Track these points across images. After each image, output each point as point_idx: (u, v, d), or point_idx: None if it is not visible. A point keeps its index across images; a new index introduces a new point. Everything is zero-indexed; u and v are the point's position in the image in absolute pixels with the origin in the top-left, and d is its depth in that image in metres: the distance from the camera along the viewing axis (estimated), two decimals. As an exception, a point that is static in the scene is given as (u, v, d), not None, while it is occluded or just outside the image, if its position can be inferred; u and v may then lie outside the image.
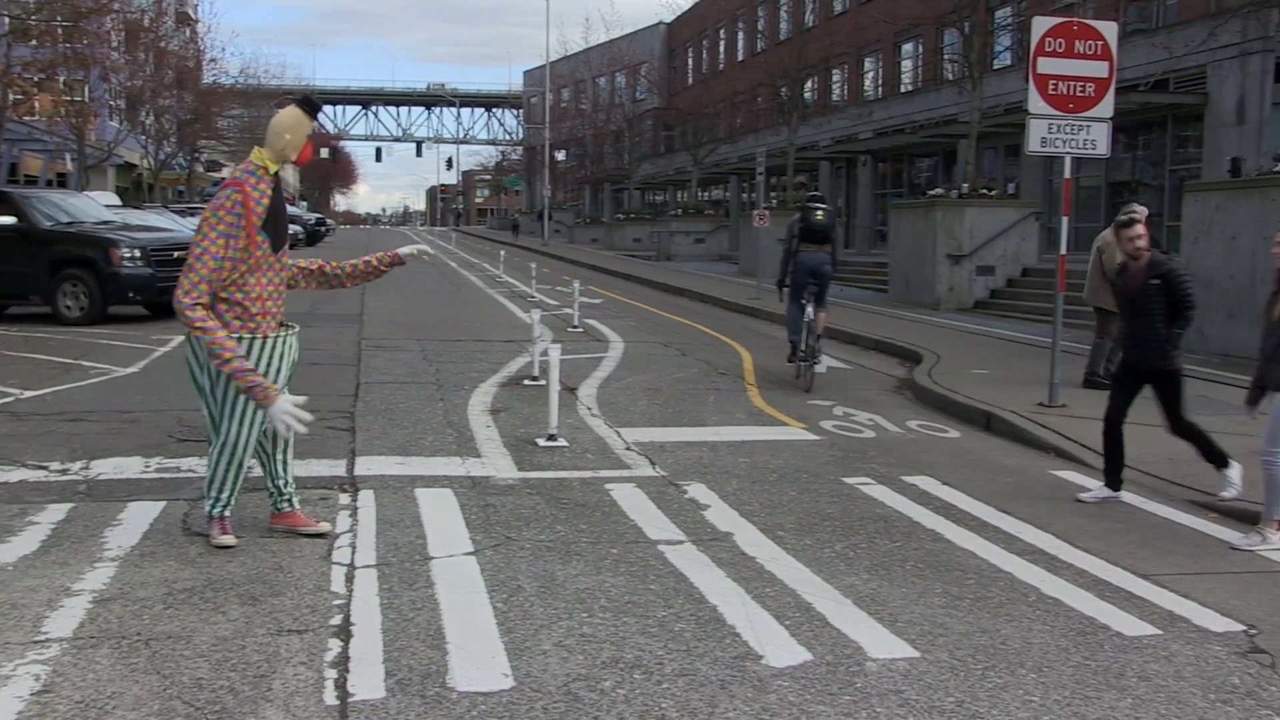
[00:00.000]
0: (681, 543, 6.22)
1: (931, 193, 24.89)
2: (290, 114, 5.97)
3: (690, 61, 65.68)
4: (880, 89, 42.43)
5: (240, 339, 5.75)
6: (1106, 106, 10.37)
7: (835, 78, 46.11)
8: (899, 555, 6.13)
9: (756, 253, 26.01)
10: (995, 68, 32.55)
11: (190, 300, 5.65)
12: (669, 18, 67.04)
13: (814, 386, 12.08)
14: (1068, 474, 8.29)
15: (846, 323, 18.33)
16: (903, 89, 40.64)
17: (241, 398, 5.77)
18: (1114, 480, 7.61)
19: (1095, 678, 4.50)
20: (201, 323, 5.62)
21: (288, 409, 5.60)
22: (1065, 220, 10.87)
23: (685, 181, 56.15)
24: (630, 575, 5.61)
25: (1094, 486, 7.73)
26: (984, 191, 23.35)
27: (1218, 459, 7.40)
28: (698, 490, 7.42)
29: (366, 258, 6.46)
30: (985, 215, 22.49)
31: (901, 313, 20.93)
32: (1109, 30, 10.41)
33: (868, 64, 43.78)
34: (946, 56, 36.98)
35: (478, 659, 4.48)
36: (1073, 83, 10.29)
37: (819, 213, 12.82)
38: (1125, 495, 7.58)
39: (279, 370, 5.91)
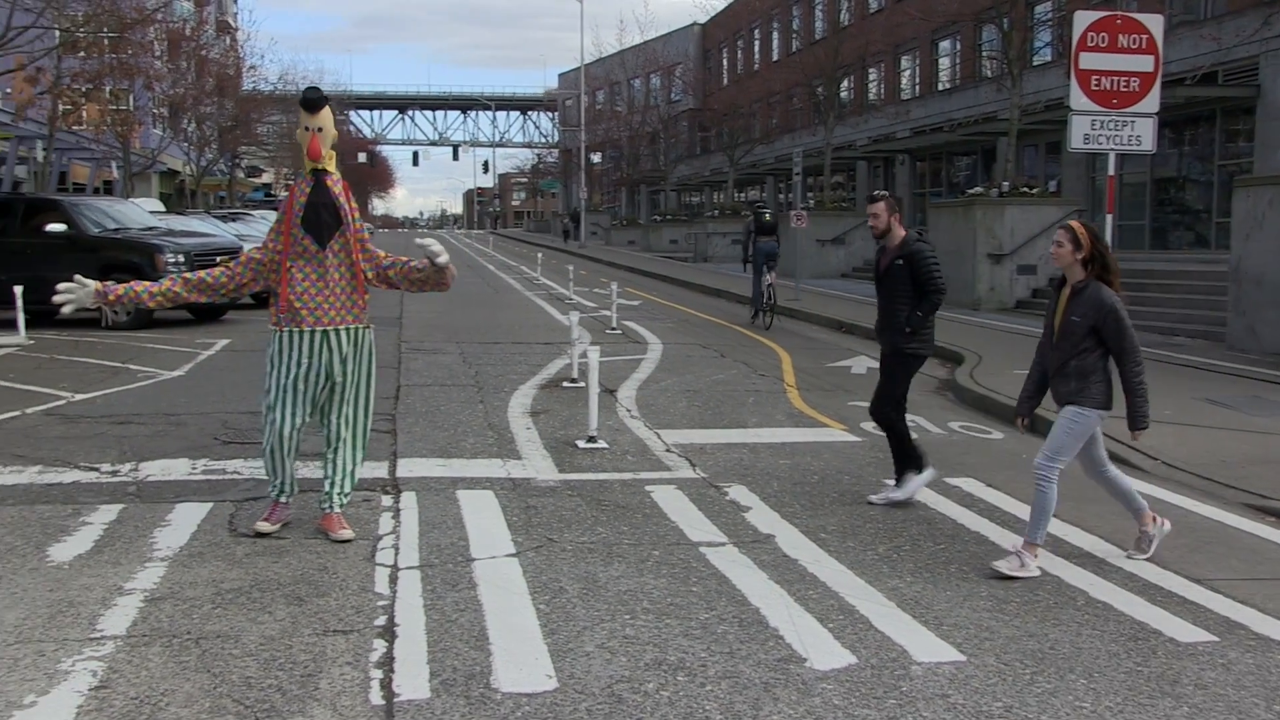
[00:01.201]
0: (723, 545, 6.20)
1: (971, 191, 24.71)
2: None
3: (725, 62, 65.59)
4: (918, 87, 42.19)
5: (285, 332, 6.06)
6: (1152, 101, 10.25)
7: (871, 76, 45.91)
8: (943, 558, 6.08)
9: (794, 253, 25.89)
10: (1035, 64, 32.32)
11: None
12: (703, 18, 67.07)
13: (773, 326, 18.33)
14: (1114, 475, 8.17)
15: (886, 323, 18.20)
16: (940, 87, 40.39)
17: (275, 385, 6.08)
18: (900, 479, 7.30)
19: (1148, 685, 4.44)
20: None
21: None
22: (1110, 218, 10.79)
23: (721, 183, 56.10)
24: (672, 577, 5.60)
25: (1140, 487, 7.61)
26: (1024, 190, 23.14)
27: (908, 461, 7.11)
28: (738, 492, 7.41)
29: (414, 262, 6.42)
30: (1026, 214, 22.30)
31: (941, 313, 20.65)
32: (1154, 23, 10.29)
33: (904, 62, 43.55)
34: (985, 53, 36.71)
35: (521, 660, 4.49)
36: (1116, 78, 10.18)
37: (767, 214, 19.52)
38: (1176, 498, 7.47)
39: (321, 363, 6.06)
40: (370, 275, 6.25)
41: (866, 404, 10.89)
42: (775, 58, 55.67)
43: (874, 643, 4.79)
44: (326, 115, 6.12)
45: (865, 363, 14.15)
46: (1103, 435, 6.22)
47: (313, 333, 6.03)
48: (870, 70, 45.42)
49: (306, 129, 6.04)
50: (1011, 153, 24.85)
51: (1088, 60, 10.17)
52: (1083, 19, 10.29)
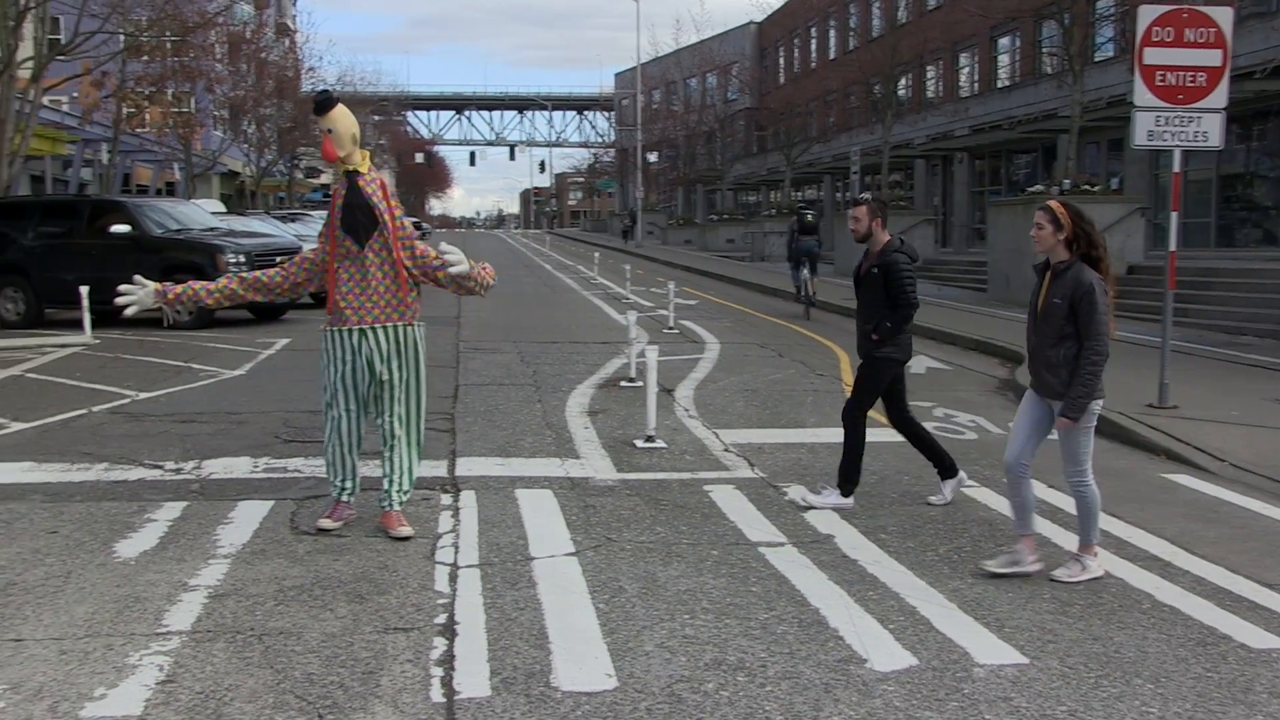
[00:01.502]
0: (782, 545, 6.17)
1: (1031, 189, 24.35)
2: None
3: (781, 60, 65.29)
4: (976, 84, 41.71)
5: (331, 331, 6.20)
6: (1220, 96, 10.02)
7: (930, 74, 45.45)
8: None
9: (853, 252, 25.68)
10: (1096, 60, 31.80)
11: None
12: (759, 17, 66.72)
13: (812, 316, 20.00)
14: (1180, 477, 8.04)
15: (944, 322, 18.06)
16: (999, 84, 39.89)
17: (329, 383, 6.23)
18: (946, 472, 7.20)
19: (1219, 691, 4.34)
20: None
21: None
22: (1175, 216, 10.55)
23: (778, 181, 55.81)
24: (731, 577, 5.59)
25: (1206, 489, 7.48)
26: (1086, 187, 22.73)
27: (846, 477, 6.99)
28: (797, 492, 7.36)
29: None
30: (1087, 212, 21.90)
31: (1001, 312, 20.54)
32: (1223, 16, 10.04)
33: (963, 59, 43.08)
34: (1045, 50, 36.21)
35: (581, 659, 4.50)
36: (1182, 73, 9.97)
37: (809, 215, 21.47)
38: (1245, 500, 7.32)
39: (364, 360, 6.15)
40: (416, 274, 6.30)
41: (926, 404, 10.86)
42: (832, 56, 55.32)
43: (935, 644, 4.74)
44: (336, 116, 6.11)
45: (924, 362, 14.01)
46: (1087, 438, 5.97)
47: (353, 331, 6.14)
48: (928, 68, 44.94)
49: (321, 131, 6.15)
50: (1072, 150, 24.49)
51: (1152, 55, 9.98)
52: (1147, 13, 10.08)
